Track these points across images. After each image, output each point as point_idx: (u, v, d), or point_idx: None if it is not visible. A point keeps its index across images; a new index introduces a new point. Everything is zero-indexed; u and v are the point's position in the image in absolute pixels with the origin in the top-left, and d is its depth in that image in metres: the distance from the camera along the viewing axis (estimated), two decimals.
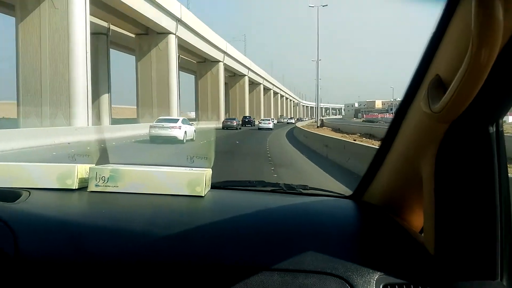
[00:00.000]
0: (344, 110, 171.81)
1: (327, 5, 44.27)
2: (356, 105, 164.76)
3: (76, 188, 1.22)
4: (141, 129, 24.28)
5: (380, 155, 1.08)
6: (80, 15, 23.42)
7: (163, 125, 17.63)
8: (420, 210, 1.00)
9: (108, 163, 1.39)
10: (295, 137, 23.91)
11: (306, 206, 1.21)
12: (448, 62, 0.73)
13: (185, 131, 17.77)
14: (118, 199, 1.17)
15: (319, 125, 38.59)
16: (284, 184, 1.39)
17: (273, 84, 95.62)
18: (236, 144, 18.62)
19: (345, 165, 9.83)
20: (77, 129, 19.66)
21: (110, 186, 1.20)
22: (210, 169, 1.31)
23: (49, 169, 1.23)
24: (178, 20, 36.61)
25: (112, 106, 63.90)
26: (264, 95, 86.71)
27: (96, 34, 34.76)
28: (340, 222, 1.09)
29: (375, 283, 0.82)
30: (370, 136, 21.83)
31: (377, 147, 1.12)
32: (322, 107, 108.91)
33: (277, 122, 56.23)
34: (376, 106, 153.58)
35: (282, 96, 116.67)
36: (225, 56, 54.01)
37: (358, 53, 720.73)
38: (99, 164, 1.29)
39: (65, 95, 22.92)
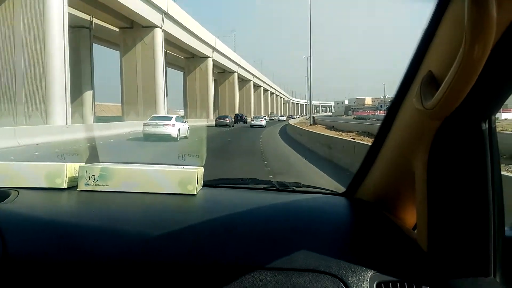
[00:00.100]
0: (334, 107, 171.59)
1: None
2: (346, 102, 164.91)
3: (66, 187, 1.20)
4: (125, 128, 23.01)
5: (373, 152, 1.07)
6: (57, 5, 21.82)
7: (156, 122, 17.67)
8: (413, 207, 1.00)
9: (98, 161, 1.36)
10: (290, 136, 22.55)
11: (299, 203, 1.19)
12: (440, 58, 0.73)
13: (179, 129, 17.76)
14: (109, 198, 1.15)
15: (311, 122, 37.34)
16: (277, 181, 1.38)
17: (263, 81, 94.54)
18: (228, 142, 18.50)
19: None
20: (52, 128, 18.17)
21: (100, 185, 1.18)
22: (202, 167, 1.28)
23: (37, 168, 1.22)
24: (164, 13, 35.09)
25: (99, 104, 63.06)
26: (254, 92, 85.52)
27: (78, 27, 33.32)
28: (333, 220, 1.09)
29: (369, 281, 0.82)
30: (368, 134, 20.64)
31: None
32: (313, 105, 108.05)
33: (269, 119, 55.20)
34: (366, 103, 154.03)
35: (272, 93, 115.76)
36: (214, 52, 52.57)
37: (348, 50, 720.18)
38: (89, 163, 1.27)
39: (41, 92, 21.38)
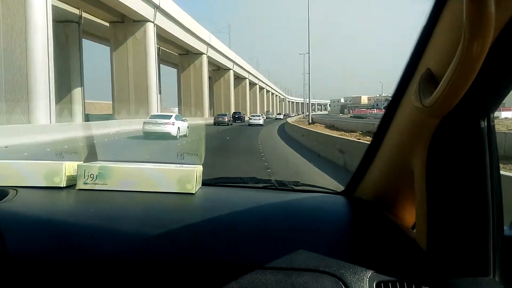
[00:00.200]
0: (330, 105, 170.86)
1: None
2: (342, 100, 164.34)
3: (64, 186, 1.20)
4: (113, 127, 21.61)
5: (371, 150, 1.07)
6: None
7: (156, 121, 17.82)
8: (412, 206, 1.00)
9: (96, 160, 1.37)
10: (291, 136, 21.22)
11: (298, 202, 1.19)
12: (439, 55, 0.73)
13: (178, 127, 17.87)
14: (107, 197, 1.15)
15: (310, 121, 36.08)
16: (276, 180, 1.38)
17: (258, 79, 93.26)
18: (227, 140, 18.39)
19: None
20: (33, 127, 16.77)
21: (98, 184, 1.18)
22: (201, 166, 1.28)
23: (36, 166, 1.21)
24: (157, 7, 33.59)
25: (91, 102, 61.67)
26: (249, 90, 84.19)
27: (66, 22, 31.81)
28: (332, 219, 1.09)
29: (368, 280, 0.81)
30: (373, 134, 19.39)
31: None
32: (308, 103, 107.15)
33: (266, 118, 54.25)
34: (362, 101, 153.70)
35: (268, 91, 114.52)
36: (209, 48, 51.12)
37: (344, 48, 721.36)
38: (87, 161, 1.27)
39: (22, 88, 19.89)
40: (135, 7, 30.58)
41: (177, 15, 38.37)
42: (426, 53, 0.77)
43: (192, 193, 1.17)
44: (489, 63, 0.63)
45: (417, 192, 0.88)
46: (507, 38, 0.63)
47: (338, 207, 1.17)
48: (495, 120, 0.83)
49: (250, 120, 39.00)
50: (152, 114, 20.79)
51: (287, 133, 23.42)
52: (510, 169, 8.20)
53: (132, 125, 23.84)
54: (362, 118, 57.16)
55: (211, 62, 55.88)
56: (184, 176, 1.17)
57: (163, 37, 38.74)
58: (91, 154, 1.66)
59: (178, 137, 17.50)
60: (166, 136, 16.97)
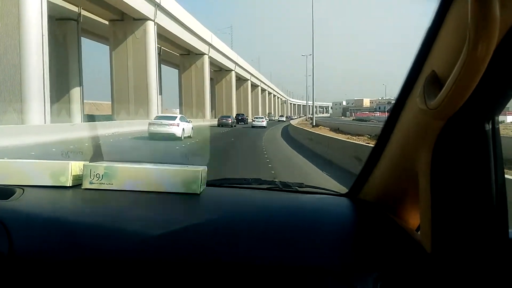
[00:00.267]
0: (331, 108, 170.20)
1: None
2: (344, 103, 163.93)
3: (70, 185, 1.21)
4: (112, 128, 20.73)
5: (376, 152, 1.07)
6: None
7: (161, 122, 17.97)
8: (416, 208, 1.00)
9: (102, 160, 1.38)
10: (295, 139, 20.24)
11: (302, 204, 1.20)
12: (444, 57, 0.73)
13: (183, 128, 18.10)
14: (113, 196, 1.16)
15: (314, 124, 35.18)
16: (280, 181, 1.38)
17: (260, 81, 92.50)
18: (232, 142, 18.48)
19: None
20: (26, 128, 15.90)
21: (104, 184, 1.19)
22: (206, 167, 1.28)
23: (42, 166, 1.22)
24: (157, 5, 32.76)
25: (93, 102, 60.99)
26: (251, 92, 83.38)
27: (65, 19, 31.03)
28: (336, 220, 1.08)
29: (372, 281, 0.82)
30: None
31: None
32: (310, 105, 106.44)
33: (269, 120, 53.71)
34: (364, 104, 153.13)
35: (270, 93, 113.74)
36: (210, 49, 50.25)
37: (346, 50, 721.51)
38: (93, 161, 1.27)
39: (15, 87, 19.03)
40: (135, 5, 29.77)
41: (178, 14, 37.51)
42: (431, 55, 0.77)
43: (197, 194, 1.17)
44: (494, 65, 0.62)
45: (421, 195, 0.88)
46: None
47: (342, 208, 1.16)
48: (504, 124, 0.64)
49: (253, 122, 39.21)
50: (158, 115, 21.22)
51: (291, 136, 22.43)
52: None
53: (132, 126, 23.11)
54: (365, 121, 56.52)
55: (213, 63, 55.00)
56: (189, 177, 1.17)
57: (164, 36, 37.92)
58: (97, 154, 1.57)
59: (182, 138, 17.62)
60: (171, 137, 17.05)
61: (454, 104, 0.69)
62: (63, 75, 31.63)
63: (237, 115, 49.89)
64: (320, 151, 12.66)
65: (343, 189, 1.30)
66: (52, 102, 30.87)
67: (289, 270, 0.83)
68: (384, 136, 1.00)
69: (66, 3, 28.97)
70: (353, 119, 73.99)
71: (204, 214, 1.06)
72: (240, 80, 73.89)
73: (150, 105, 32.56)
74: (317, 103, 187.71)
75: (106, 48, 37.55)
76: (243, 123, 46.17)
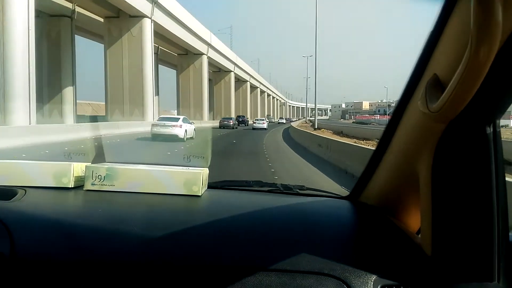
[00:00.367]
0: (330, 110, 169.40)
1: None
2: (343, 106, 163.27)
3: (72, 186, 1.21)
4: (103, 129, 19.59)
5: (377, 155, 1.07)
6: None
7: (164, 123, 18.14)
8: (417, 211, 1.00)
9: (104, 161, 1.37)
10: (298, 143, 18.96)
11: (303, 206, 1.20)
12: (446, 61, 0.74)
13: (186, 130, 18.21)
14: (115, 198, 1.16)
15: (316, 126, 33.98)
16: (281, 184, 1.38)
17: (260, 82, 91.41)
18: (233, 144, 18.53)
19: None
20: (7, 130, 14.61)
21: (106, 185, 1.19)
22: (207, 169, 1.29)
23: (45, 167, 1.22)
24: (154, 2, 31.55)
25: (90, 102, 59.66)
26: (250, 93, 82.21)
27: (58, 16, 29.82)
28: (337, 223, 1.09)
29: (372, 284, 0.82)
30: None
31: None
32: (309, 108, 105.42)
33: (269, 122, 52.87)
34: (363, 107, 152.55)
35: (269, 95, 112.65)
36: (209, 49, 49.10)
37: (347, 53, 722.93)
38: (95, 163, 1.28)
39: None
40: (131, 1, 28.57)
41: (176, 12, 36.29)
42: (433, 58, 0.77)
43: (198, 196, 1.17)
44: (495, 69, 0.63)
45: (422, 197, 0.88)
46: None
47: (343, 211, 1.17)
48: (507, 129, 0.67)
49: (254, 124, 39.46)
50: (161, 116, 21.48)
51: (295, 140, 21.12)
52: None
53: (126, 127, 22.08)
54: (366, 124, 55.63)
55: (212, 64, 53.89)
56: (191, 179, 1.17)
57: (161, 35, 36.74)
58: (99, 155, 1.58)
59: (185, 139, 17.78)
60: (173, 138, 17.19)
61: (455, 108, 0.70)
62: (56, 73, 30.43)
63: (238, 116, 49.92)
64: (334, 159, 11.08)
65: (345, 192, 1.28)
66: (44, 102, 29.89)
67: (289, 273, 0.82)
68: (385, 139, 1.00)
69: None
70: (353, 122, 72.98)
71: (205, 216, 1.05)
72: (239, 81, 72.77)
73: (146, 106, 31.35)
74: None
75: (100, 46, 36.32)
76: (244, 124, 46.43)
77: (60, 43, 30.62)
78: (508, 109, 0.80)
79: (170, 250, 0.88)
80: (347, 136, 24.22)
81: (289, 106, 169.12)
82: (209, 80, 54.98)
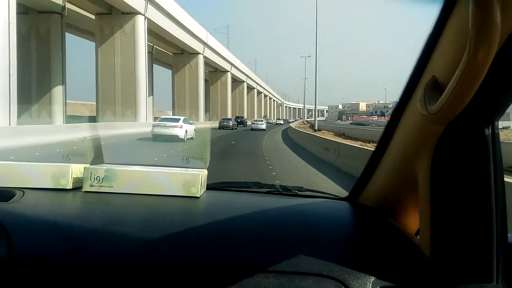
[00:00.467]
0: (327, 112, 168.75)
1: None
2: (340, 107, 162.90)
3: (70, 188, 1.21)
4: (91, 130, 18.44)
5: (376, 157, 1.07)
6: None
7: (165, 124, 18.38)
8: (416, 212, 1.00)
9: (103, 162, 1.37)
10: (300, 145, 17.86)
11: (302, 207, 1.20)
12: (444, 63, 0.74)
13: (186, 130, 18.46)
14: (113, 199, 1.16)
15: (316, 128, 32.88)
16: (280, 185, 1.38)
17: (256, 83, 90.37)
18: (232, 145, 18.63)
19: None
20: None
21: (104, 186, 1.19)
22: (206, 170, 1.29)
23: (43, 168, 1.22)
24: None
25: (84, 102, 58.43)
26: (247, 94, 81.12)
27: (47, 13, 28.58)
28: (335, 224, 1.09)
29: (371, 285, 0.82)
30: None
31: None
32: (307, 108, 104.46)
33: (266, 123, 52.08)
34: (360, 108, 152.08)
35: (265, 95, 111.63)
36: (206, 48, 47.97)
37: (343, 54, 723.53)
38: (93, 164, 1.27)
39: None
40: None
41: (171, 9, 35.13)
42: (431, 60, 0.78)
43: (197, 197, 1.17)
44: (494, 71, 0.63)
45: (421, 199, 0.88)
46: None
47: (341, 212, 1.16)
48: (507, 131, 0.68)
49: (253, 125, 39.49)
50: (162, 117, 21.66)
51: (296, 142, 19.97)
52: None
53: (115, 129, 20.98)
54: (364, 125, 54.74)
55: (208, 63, 52.75)
56: (190, 180, 1.18)
57: (155, 33, 35.58)
58: (98, 156, 1.61)
59: (185, 139, 17.96)
60: (174, 138, 17.38)
61: (454, 109, 0.70)
62: (45, 72, 29.23)
63: (236, 117, 50.09)
64: (346, 166, 9.65)
65: (344, 193, 1.29)
66: (32, 102, 28.68)
67: (288, 274, 0.82)
68: (384, 140, 1.00)
69: None
70: (350, 123, 72.14)
71: (203, 217, 1.05)
72: (236, 81, 71.66)
73: (139, 107, 30.19)
74: (312, 107, 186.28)
75: (88, 43, 35.02)
76: (242, 125, 46.49)
77: (50, 40, 29.42)
78: (507, 111, 0.80)
79: (169, 252, 0.87)
80: (350, 138, 23.26)
81: (286, 107, 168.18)
82: (205, 80, 53.95)
